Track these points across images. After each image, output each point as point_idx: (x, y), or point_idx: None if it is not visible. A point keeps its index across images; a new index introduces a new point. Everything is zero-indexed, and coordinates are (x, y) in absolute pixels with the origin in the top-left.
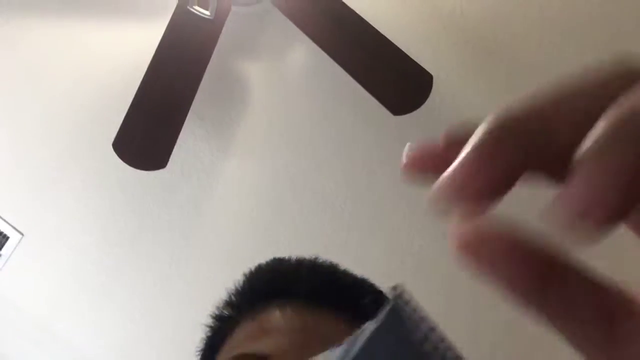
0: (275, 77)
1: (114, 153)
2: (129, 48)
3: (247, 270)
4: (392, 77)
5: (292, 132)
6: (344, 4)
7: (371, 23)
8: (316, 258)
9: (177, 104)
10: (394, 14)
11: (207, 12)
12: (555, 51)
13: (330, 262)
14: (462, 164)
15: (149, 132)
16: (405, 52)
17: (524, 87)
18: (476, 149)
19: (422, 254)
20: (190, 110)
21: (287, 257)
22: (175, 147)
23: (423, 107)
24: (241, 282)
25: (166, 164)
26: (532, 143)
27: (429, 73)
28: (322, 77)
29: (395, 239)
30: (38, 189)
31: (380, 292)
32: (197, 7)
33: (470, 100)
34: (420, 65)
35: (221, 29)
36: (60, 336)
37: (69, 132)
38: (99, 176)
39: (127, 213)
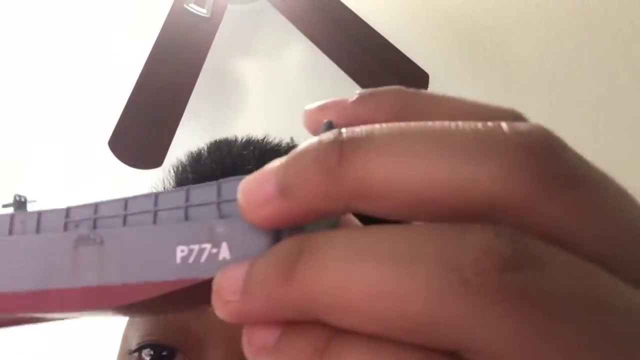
0: (272, 74)
1: (110, 151)
2: (125, 46)
3: (177, 162)
4: (388, 76)
5: (288, 130)
6: (340, 2)
7: (367, 21)
8: (266, 137)
9: (173, 102)
10: (390, 12)
11: (204, 10)
12: (551, 50)
13: (290, 142)
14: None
15: (145, 130)
16: (400, 50)
17: (519, 87)
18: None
19: None
20: (186, 108)
21: (232, 139)
22: (171, 145)
23: None
24: (174, 177)
25: (162, 162)
26: None
27: (424, 72)
28: (319, 74)
29: None
30: (33, 187)
31: None
32: (193, 5)
33: None
34: (415, 64)
35: (217, 27)
36: None
37: (65, 130)
38: (94, 175)
39: None
